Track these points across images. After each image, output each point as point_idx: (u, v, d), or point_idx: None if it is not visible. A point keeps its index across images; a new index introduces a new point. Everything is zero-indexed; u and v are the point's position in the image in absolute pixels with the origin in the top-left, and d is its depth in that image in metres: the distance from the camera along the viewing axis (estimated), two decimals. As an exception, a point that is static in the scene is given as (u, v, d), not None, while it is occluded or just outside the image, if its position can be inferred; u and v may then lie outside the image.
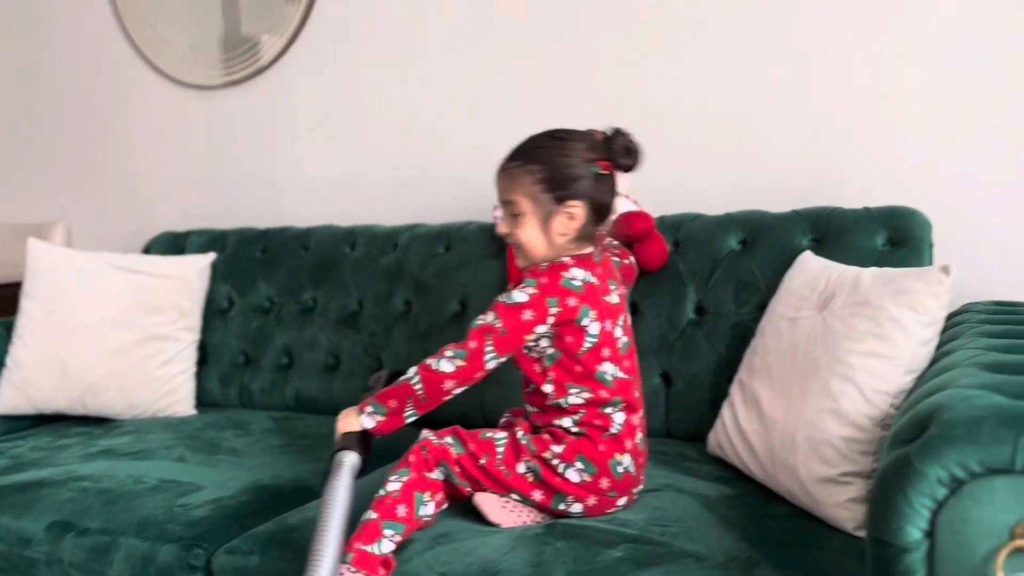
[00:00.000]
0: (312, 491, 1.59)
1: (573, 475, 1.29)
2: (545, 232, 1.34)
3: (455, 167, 2.27)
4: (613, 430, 1.32)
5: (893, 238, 1.64)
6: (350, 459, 1.32)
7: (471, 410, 1.93)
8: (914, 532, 0.85)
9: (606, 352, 1.33)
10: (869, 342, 1.25)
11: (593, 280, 1.34)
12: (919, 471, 0.84)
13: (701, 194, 1.97)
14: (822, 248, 1.66)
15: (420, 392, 1.32)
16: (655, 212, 1.90)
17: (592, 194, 1.33)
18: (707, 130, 1.99)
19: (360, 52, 2.37)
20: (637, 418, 1.36)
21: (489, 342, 1.30)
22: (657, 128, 2.03)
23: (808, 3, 1.87)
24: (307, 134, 2.48)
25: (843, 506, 1.22)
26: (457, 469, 1.29)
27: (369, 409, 1.35)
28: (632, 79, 2.05)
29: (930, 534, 0.85)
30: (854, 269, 1.43)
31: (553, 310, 1.29)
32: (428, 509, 1.27)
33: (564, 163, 1.32)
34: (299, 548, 1.28)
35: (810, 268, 1.54)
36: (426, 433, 1.33)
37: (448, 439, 1.31)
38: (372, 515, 1.23)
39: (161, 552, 1.37)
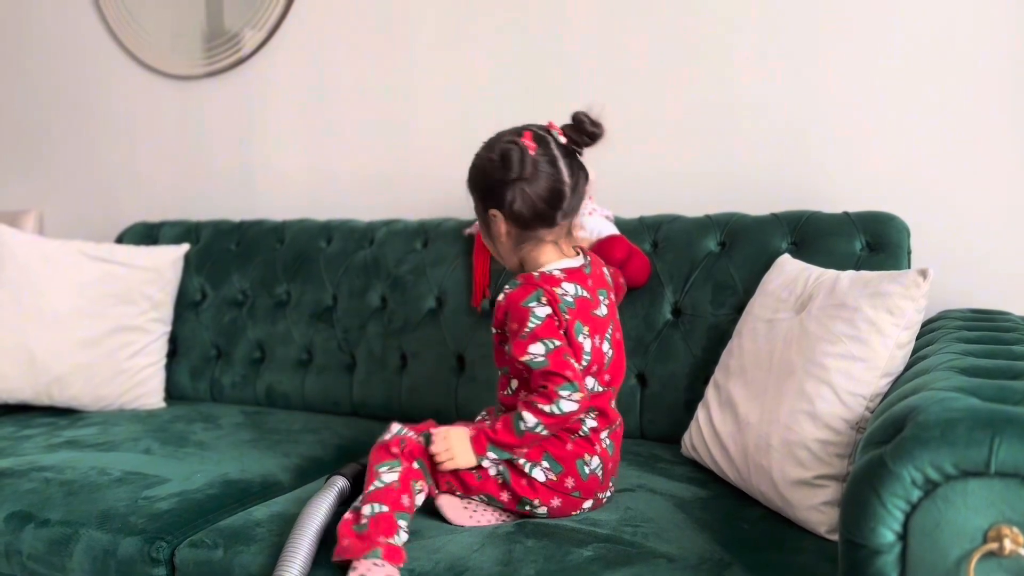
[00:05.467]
0: (280, 486, 1.57)
1: (539, 474, 1.28)
2: (494, 239, 1.39)
3: (434, 163, 2.25)
4: (582, 433, 1.31)
5: (872, 243, 1.64)
6: (342, 484, 1.32)
7: (445, 408, 1.92)
8: (887, 534, 0.84)
9: (594, 368, 1.31)
10: (845, 344, 1.25)
11: (585, 294, 1.32)
12: (893, 472, 0.84)
13: (680, 195, 1.96)
14: (800, 252, 1.66)
15: (546, 435, 1.26)
16: (634, 213, 1.89)
17: (516, 193, 1.32)
18: (688, 132, 1.98)
19: (339, 46, 2.35)
20: (609, 430, 1.35)
21: (565, 357, 1.25)
22: (638, 129, 2.02)
23: (791, 9, 1.87)
24: (285, 127, 2.45)
25: (817, 509, 1.21)
26: (431, 467, 1.29)
27: (492, 456, 1.27)
28: (615, 79, 2.04)
29: (903, 536, 0.84)
30: (832, 272, 1.42)
31: (544, 299, 1.27)
32: (420, 499, 1.26)
33: (491, 174, 1.34)
34: (264, 543, 1.26)
35: (788, 271, 1.53)
36: (398, 427, 1.32)
37: (422, 438, 1.30)
38: (382, 508, 1.20)
39: (123, 545, 1.34)
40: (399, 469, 1.25)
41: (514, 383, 1.35)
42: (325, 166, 2.40)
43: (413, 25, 2.25)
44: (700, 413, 1.54)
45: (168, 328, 2.21)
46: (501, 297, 1.31)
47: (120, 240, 2.42)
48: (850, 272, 1.39)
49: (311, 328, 2.11)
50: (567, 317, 1.27)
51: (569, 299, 1.29)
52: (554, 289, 1.28)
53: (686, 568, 1.11)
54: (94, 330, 2.06)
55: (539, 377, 1.24)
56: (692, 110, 1.98)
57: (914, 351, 1.28)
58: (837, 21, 1.84)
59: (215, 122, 2.54)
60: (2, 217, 2.70)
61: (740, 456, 1.36)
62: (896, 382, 1.20)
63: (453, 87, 2.22)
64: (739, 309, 1.64)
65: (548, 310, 1.26)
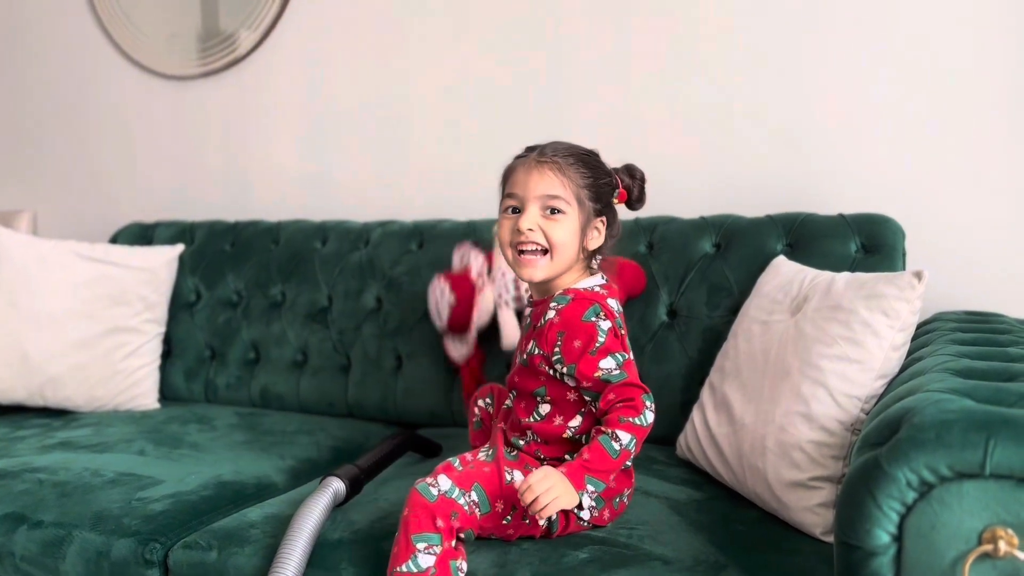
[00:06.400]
0: (275, 488, 1.57)
1: (584, 514, 1.22)
2: (581, 240, 1.25)
3: (429, 164, 2.25)
4: (629, 462, 1.22)
5: (867, 245, 1.64)
6: (337, 485, 1.31)
7: (440, 410, 1.92)
8: (882, 535, 0.84)
9: None
10: (840, 346, 1.25)
11: (622, 310, 1.29)
12: (888, 474, 0.84)
13: (676, 197, 1.95)
14: (796, 253, 1.66)
15: (635, 451, 1.19)
16: (630, 214, 1.89)
17: (613, 219, 1.29)
18: (684, 134, 1.99)
19: (335, 47, 2.34)
20: None
21: (633, 368, 1.23)
22: (634, 130, 2.02)
23: (786, 13, 1.87)
24: (280, 127, 2.45)
25: (812, 511, 1.21)
26: (479, 527, 1.18)
27: (590, 488, 1.16)
28: (612, 81, 2.04)
29: (898, 538, 0.84)
30: (827, 274, 1.42)
31: (602, 313, 1.23)
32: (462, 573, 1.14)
33: (604, 179, 1.27)
34: (259, 544, 1.26)
35: (783, 272, 1.53)
36: (447, 486, 1.15)
37: (473, 495, 1.16)
38: None
39: (116, 546, 1.34)
40: (438, 552, 1.09)
41: (544, 408, 1.27)
42: (320, 166, 2.40)
43: (409, 25, 2.25)
44: (695, 415, 1.54)
45: (162, 329, 2.20)
46: (553, 315, 1.23)
47: (114, 241, 2.41)
48: (845, 274, 1.39)
49: (306, 329, 2.10)
50: (623, 332, 1.25)
51: (617, 316, 1.26)
52: (606, 303, 1.24)
53: (681, 570, 1.11)
54: (88, 331, 2.05)
55: (617, 390, 1.18)
56: (688, 112, 1.98)
57: (909, 353, 1.28)
58: (833, 23, 1.84)
59: (210, 122, 2.54)
60: (-4, 217, 2.70)
61: (735, 457, 1.36)
62: (891, 384, 1.21)
63: (449, 88, 2.22)
64: (734, 311, 1.64)
65: (609, 323, 1.21)
